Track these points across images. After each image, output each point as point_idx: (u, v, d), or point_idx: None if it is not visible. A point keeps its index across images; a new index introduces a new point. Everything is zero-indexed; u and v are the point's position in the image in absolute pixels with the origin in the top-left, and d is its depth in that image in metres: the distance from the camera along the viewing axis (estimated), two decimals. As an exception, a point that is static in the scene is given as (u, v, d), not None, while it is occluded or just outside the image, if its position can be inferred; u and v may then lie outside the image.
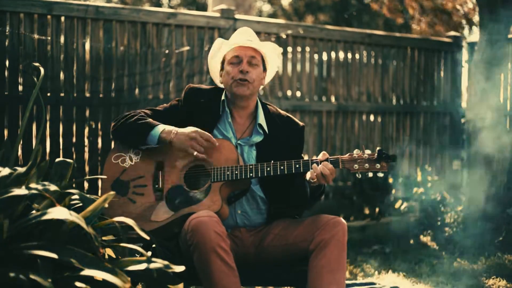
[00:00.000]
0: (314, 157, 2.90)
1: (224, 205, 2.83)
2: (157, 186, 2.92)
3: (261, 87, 3.20)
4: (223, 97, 3.07)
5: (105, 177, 2.94)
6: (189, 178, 2.91)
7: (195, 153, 2.84)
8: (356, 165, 2.80)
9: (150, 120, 2.94)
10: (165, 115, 3.05)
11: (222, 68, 3.11)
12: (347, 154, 2.84)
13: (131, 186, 2.93)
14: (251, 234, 2.98)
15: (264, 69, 3.11)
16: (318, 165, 2.77)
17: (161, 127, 2.90)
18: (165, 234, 2.84)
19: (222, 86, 3.13)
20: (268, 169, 2.83)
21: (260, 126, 3.04)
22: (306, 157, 6.05)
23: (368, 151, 2.81)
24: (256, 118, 3.06)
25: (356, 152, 2.82)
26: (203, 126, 2.98)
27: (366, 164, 2.79)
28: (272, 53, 3.10)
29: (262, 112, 3.09)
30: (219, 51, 3.11)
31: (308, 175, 2.82)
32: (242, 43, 3.03)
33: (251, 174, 2.84)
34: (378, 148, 2.80)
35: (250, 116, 3.09)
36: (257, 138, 3.03)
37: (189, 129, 2.86)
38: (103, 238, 2.42)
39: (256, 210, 3.01)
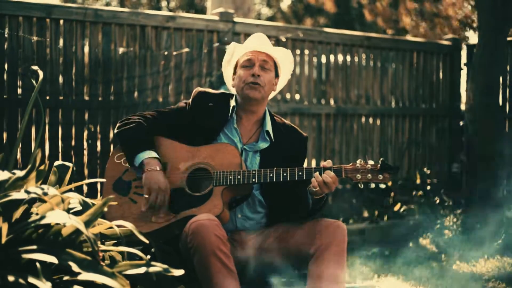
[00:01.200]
0: (314, 162, 2.90)
1: (225, 209, 2.83)
2: None
3: (273, 94, 3.21)
4: (233, 103, 3.07)
5: (104, 180, 2.94)
6: (191, 181, 2.90)
7: (147, 196, 2.81)
8: (358, 175, 2.81)
9: (146, 140, 2.91)
10: (172, 117, 3.06)
11: (234, 72, 3.13)
12: (350, 164, 2.85)
13: (132, 186, 2.93)
14: (251, 237, 2.98)
15: (277, 75, 3.13)
16: (320, 174, 2.78)
17: (148, 154, 2.87)
18: (165, 236, 2.84)
19: (233, 90, 3.14)
20: (271, 175, 2.83)
21: (267, 133, 3.05)
22: (305, 162, 6.07)
23: (371, 162, 2.82)
24: (264, 125, 3.08)
25: (359, 162, 2.83)
26: (210, 129, 3.00)
27: (369, 175, 2.80)
28: (284, 59, 3.12)
29: (269, 120, 3.10)
30: (233, 56, 3.13)
31: (310, 184, 2.82)
32: (255, 48, 3.05)
33: (253, 180, 2.84)
34: (381, 159, 2.81)
35: (257, 122, 3.10)
36: (263, 145, 3.04)
37: (164, 183, 2.83)
38: (102, 241, 2.42)
39: (256, 215, 3.01)
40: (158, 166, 2.85)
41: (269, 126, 3.07)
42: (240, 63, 3.07)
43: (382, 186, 2.82)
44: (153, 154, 2.89)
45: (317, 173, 2.78)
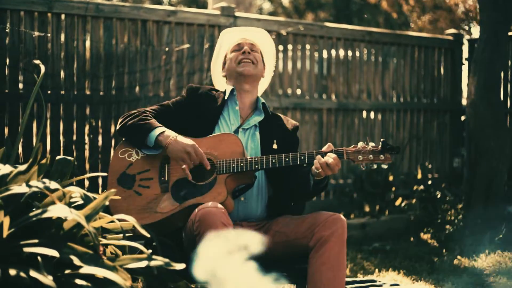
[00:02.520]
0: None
1: (229, 197, 2.85)
2: (162, 178, 2.94)
3: (264, 85, 3.30)
4: (230, 88, 3.16)
5: (105, 174, 2.96)
6: (195, 171, 2.93)
7: (184, 166, 2.86)
8: (360, 156, 2.83)
9: (152, 121, 2.97)
10: (171, 109, 3.12)
11: (224, 67, 3.25)
12: (352, 146, 2.87)
13: (137, 179, 2.96)
14: (252, 230, 2.99)
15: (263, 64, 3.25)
16: (322, 156, 2.80)
17: (159, 130, 2.93)
18: (170, 227, 2.87)
19: (220, 88, 3.25)
20: (273, 161, 2.87)
21: (263, 104, 3.14)
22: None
23: (372, 143, 2.86)
24: (257, 105, 3.18)
25: (360, 144, 2.86)
26: (208, 115, 3.07)
27: (371, 155, 2.82)
28: (269, 47, 3.26)
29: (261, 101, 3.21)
30: (221, 47, 3.27)
31: (313, 167, 2.85)
32: (242, 35, 3.21)
33: (256, 166, 2.87)
34: (382, 140, 2.84)
35: (252, 105, 3.18)
36: (258, 118, 3.12)
37: (187, 142, 2.89)
38: (104, 235, 2.43)
39: (259, 198, 3.03)
40: (172, 133, 2.90)
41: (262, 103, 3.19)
42: (230, 49, 3.20)
43: (384, 166, 2.86)
44: (162, 128, 2.93)
45: (319, 155, 2.81)
